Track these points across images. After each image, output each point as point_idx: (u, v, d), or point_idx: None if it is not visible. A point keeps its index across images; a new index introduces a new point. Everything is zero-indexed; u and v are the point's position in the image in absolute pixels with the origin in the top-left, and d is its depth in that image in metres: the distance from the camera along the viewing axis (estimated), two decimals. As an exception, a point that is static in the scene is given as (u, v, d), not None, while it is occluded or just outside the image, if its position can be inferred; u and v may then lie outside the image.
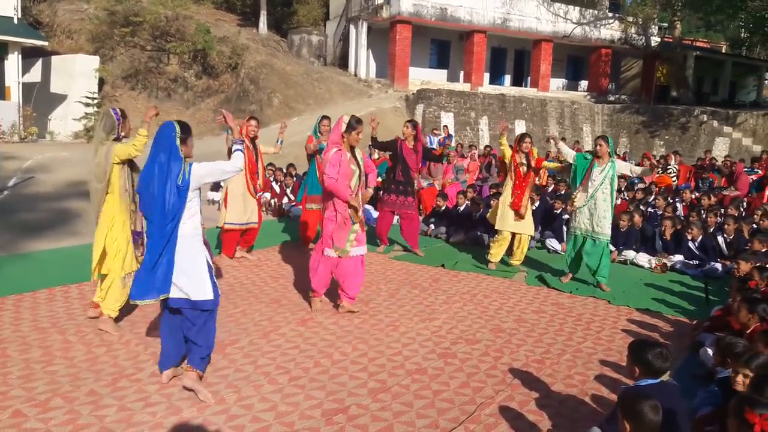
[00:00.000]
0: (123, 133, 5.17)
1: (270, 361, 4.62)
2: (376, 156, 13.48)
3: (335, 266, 5.77)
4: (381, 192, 8.76)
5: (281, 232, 9.81)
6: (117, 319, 5.19)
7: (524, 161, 7.54)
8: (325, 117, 8.20)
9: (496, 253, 7.79)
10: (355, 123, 5.62)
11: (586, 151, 16.51)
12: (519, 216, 7.57)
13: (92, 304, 5.34)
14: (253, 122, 7.66)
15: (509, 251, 7.93)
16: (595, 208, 6.90)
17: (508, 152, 7.63)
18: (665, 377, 3.21)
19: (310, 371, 4.47)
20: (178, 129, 3.96)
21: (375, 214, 9.99)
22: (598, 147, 6.97)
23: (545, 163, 7.90)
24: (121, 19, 21.76)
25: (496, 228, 7.76)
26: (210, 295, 3.99)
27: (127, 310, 5.49)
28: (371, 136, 8.09)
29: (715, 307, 5.89)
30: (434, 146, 15.98)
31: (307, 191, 8.30)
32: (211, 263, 4.09)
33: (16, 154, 13.99)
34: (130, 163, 5.11)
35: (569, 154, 7.41)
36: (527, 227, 7.70)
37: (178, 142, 3.93)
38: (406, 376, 4.45)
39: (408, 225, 8.36)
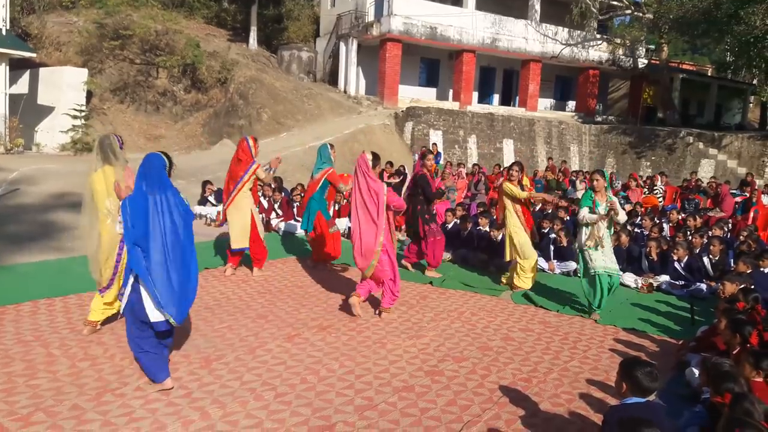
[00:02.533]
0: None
1: (256, 377, 4.59)
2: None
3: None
4: (427, 224, 8.52)
5: (269, 247, 9.75)
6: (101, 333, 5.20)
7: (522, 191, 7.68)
8: (331, 145, 8.49)
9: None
10: (374, 158, 6.31)
11: (576, 175, 16.68)
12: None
13: (87, 322, 5.30)
14: (257, 143, 7.86)
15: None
16: (606, 247, 6.76)
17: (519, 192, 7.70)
18: (652, 397, 3.21)
19: (297, 388, 4.44)
20: (166, 161, 4.09)
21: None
22: (594, 182, 6.83)
23: (537, 196, 8.02)
24: (111, 32, 21.76)
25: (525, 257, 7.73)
26: None
27: (111, 324, 5.45)
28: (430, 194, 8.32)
29: (701, 328, 5.93)
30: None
31: (327, 215, 8.55)
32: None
33: (1, 165, 13.84)
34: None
35: (592, 218, 6.79)
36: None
37: (166, 173, 4.07)
38: (392, 394, 4.43)
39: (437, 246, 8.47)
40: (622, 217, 6.82)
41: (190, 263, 4.25)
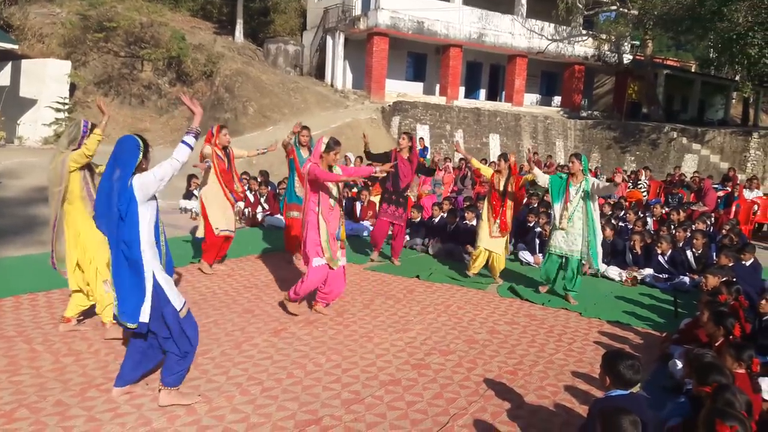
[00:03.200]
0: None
1: (242, 372, 4.57)
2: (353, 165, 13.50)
3: (324, 276, 5.89)
4: (379, 202, 8.79)
5: (255, 241, 9.73)
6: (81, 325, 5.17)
7: (503, 181, 7.68)
8: (305, 127, 8.24)
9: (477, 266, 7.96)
10: (333, 144, 5.82)
11: (561, 169, 16.77)
12: (500, 235, 7.72)
13: (63, 318, 5.24)
14: (225, 131, 7.64)
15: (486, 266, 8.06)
16: (572, 228, 6.98)
17: (479, 165, 8.17)
18: (636, 389, 3.24)
19: (283, 382, 4.43)
20: (141, 143, 3.76)
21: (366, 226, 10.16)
22: (570, 164, 7.07)
23: (527, 177, 8.04)
24: (95, 24, 21.49)
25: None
26: None
27: (94, 319, 5.40)
28: (364, 150, 8.31)
29: (684, 320, 5.99)
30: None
31: (287, 200, 8.35)
32: (162, 276, 3.83)
33: (-17, 158, 13.68)
34: (88, 168, 5.08)
35: (543, 179, 7.34)
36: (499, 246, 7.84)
37: (139, 157, 3.73)
38: (379, 387, 4.43)
39: (396, 236, 8.57)
40: (603, 187, 7.11)
41: (116, 260, 3.78)
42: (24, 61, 18.70)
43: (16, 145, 17.50)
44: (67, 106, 17.97)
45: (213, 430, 3.68)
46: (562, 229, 7.02)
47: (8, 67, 18.54)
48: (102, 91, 21.10)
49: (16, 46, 18.25)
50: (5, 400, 3.90)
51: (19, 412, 3.76)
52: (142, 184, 3.69)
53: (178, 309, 3.83)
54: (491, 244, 7.72)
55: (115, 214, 3.66)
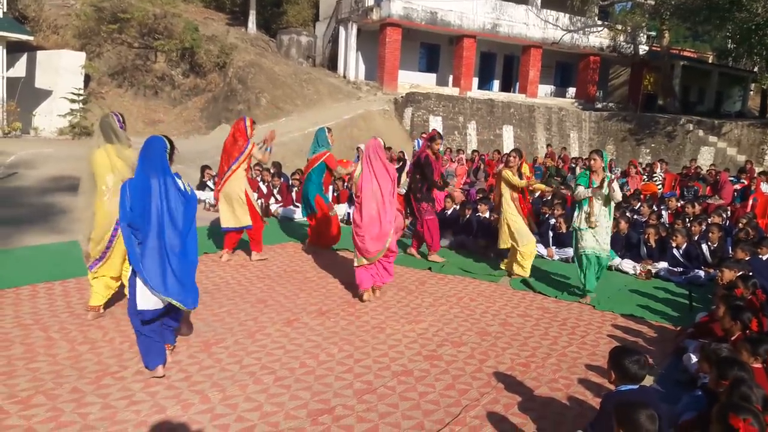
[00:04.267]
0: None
1: (255, 361, 4.60)
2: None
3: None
4: (419, 203, 8.60)
5: (268, 232, 9.76)
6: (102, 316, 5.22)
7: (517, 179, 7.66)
8: (328, 129, 8.47)
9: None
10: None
11: (576, 162, 16.65)
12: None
13: (91, 308, 5.28)
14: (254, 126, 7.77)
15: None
16: (599, 228, 6.76)
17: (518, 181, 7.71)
18: (649, 382, 3.23)
19: (296, 372, 4.46)
20: (168, 144, 4.07)
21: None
22: (592, 161, 6.84)
23: (536, 185, 7.95)
24: (109, 15, 21.58)
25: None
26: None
27: (110, 308, 5.45)
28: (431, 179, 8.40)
29: (700, 314, 5.94)
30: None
31: (324, 199, 8.54)
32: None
33: (-1, 149, 13.82)
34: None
35: (585, 193, 6.81)
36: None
37: (167, 158, 4.10)
38: (392, 378, 4.44)
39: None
40: (617, 195, 6.77)
41: (187, 250, 4.19)
42: (39, 53, 18.84)
43: (32, 135, 17.66)
44: (81, 97, 18.09)
45: (226, 419, 3.71)
46: (592, 227, 6.70)
47: (24, 59, 18.68)
48: (116, 82, 21.22)
49: (31, 38, 18.35)
50: (22, 386, 3.95)
51: (36, 398, 3.81)
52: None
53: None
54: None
55: (150, 211, 3.98)
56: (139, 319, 4.07)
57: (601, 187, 6.59)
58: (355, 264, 6.29)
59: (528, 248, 7.62)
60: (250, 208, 7.56)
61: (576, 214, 6.88)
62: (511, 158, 7.71)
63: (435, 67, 27.50)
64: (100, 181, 5.09)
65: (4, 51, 17.12)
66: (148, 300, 4.02)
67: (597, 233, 6.74)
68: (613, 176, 6.77)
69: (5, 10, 17.70)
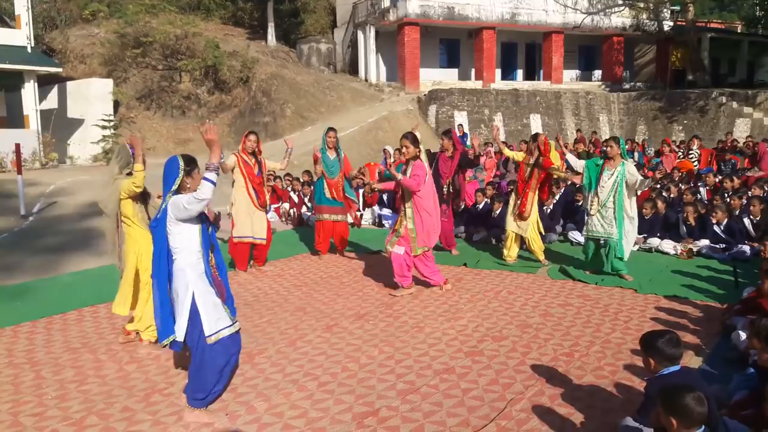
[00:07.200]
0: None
1: (298, 369, 4.64)
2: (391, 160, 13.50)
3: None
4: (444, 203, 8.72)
5: (301, 241, 9.84)
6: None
7: (530, 162, 7.62)
8: (330, 129, 8.46)
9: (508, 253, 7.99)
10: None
11: (599, 154, 16.37)
12: (521, 217, 7.69)
13: (124, 330, 5.36)
14: (252, 137, 7.72)
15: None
16: (606, 213, 6.89)
17: (511, 154, 8.22)
18: (688, 361, 3.15)
19: (338, 376, 4.48)
20: (182, 163, 3.87)
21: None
22: (608, 149, 6.97)
23: (555, 172, 7.84)
24: (132, 40, 22.08)
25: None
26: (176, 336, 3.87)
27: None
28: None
29: (747, 290, 5.78)
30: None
31: (315, 202, 8.59)
32: (204, 299, 3.83)
33: (38, 180, 14.24)
34: (142, 194, 5.15)
35: (578, 165, 7.40)
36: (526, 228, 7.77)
37: (180, 177, 3.84)
38: (434, 377, 4.43)
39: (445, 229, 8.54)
40: (631, 178, 6.75)
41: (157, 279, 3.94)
42: (69, 83, 19.38)
43: (68, 164, 18.16)
44: (112, 123, 18.55)
45: (273, 427, 3.75)
46: (593, 214, 6.98)
47: (55, 90, 19.23)
48: (144, 105, 21.66)
49: (60, 69, 18.89)
50: (75, 408, 4.05)
51: (89, 419, 3.91)
52: (173, 203, 3.78)
53: (207, 334, 3.79)
54: (515, 226, 7.79)
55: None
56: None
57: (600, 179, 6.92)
58: (416, 253, 6.52)
59: (505, 234, 7.98)
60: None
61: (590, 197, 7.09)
62: (533, 142, 7.76)
63: (456, 62, 27.39)
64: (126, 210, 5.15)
65: (36, 85, 17.64)
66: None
67: (603, 217, 6.90)
68: (629, 161, 6.79)
69: (33, 44, 18.22)
